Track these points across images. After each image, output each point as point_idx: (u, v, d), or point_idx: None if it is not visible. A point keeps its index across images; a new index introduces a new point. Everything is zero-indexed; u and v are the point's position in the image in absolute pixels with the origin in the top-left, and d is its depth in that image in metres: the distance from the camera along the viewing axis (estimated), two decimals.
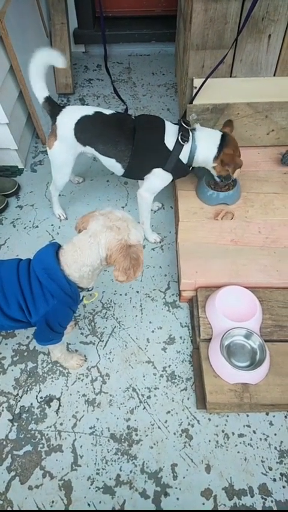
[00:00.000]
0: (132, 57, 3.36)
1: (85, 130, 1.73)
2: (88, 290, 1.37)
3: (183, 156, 1.74)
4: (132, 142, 1.71)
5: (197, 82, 2.02)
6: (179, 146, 1.71)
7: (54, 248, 1.26)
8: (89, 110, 1.74)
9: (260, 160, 2.21)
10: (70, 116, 1.73)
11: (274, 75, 2.08)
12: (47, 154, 1.90)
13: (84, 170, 2.43)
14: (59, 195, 2.12)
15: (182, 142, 1.70)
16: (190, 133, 1.73)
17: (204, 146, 1.75)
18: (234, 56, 1.99)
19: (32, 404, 1.56)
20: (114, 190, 2.34)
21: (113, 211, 1.26)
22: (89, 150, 1.80)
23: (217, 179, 1.88)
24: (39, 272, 1.22)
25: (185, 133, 1.71)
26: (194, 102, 2.08)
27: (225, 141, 1.75)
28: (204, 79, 1.97)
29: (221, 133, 1.77)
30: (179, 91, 2.70)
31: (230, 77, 2.08)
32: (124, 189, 2.35)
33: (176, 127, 1.75)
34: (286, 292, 1.71)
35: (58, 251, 1.26)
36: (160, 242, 2.09)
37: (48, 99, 1.71)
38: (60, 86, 2.92)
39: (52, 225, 2.17)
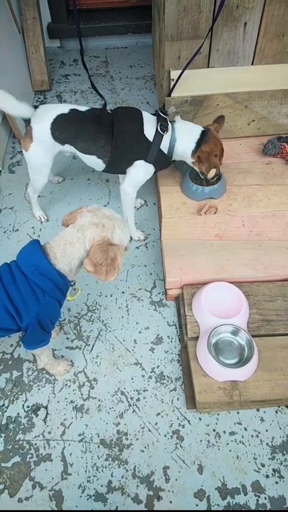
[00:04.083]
0: (109, 50, 3.28)
1: (63, 129, 1.68)
2: (71, 285, 1.35)
3: (164, 147, 1.71)
4: (111, 136, 1.67)
5: (174, 74, 1.97)
6: (159, 136, 1.68)
7: (38, 244, 1.25)
8: (64, 108, 1.69)
9: (242, 151, 2.18)
10: (45, 116, 1.67)
11: (252, 64, 2.03)
12: None
13: (63, 169, 2.37)
14: (39, 196, 2.06)
15: (161, 132, 1.67)
16: (169, 122, 1.70)
17: (183, 140, 1.72)
18: (210, 46, 1.94)
19: (18, 414, 1.52)
20: (96, 188, 2.29)
21: (101, 208, 1.29)
22: (68, 148, 1.75)
23: (201, 176, 1.84)
24: (28, 270, 1.21)
25: (163, 123, 1.68)
26: (172, 95, 2.03)
27: (205, 138, 1.71)
28: (181, 71, 1.93)
29: (202, 129, 1.74)
30: (157, 84, 2.64)
31: (208, 67, 2.03)
32: (106, 187, 2.30)
33: (154, 117, 1.72)
34: (272, 286, 1.69)
35: (42, 247, 1.26)
36: (144, 240, 2.05)
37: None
38: (36, 84, 2.84)
39: (33, 227, 2.12)
